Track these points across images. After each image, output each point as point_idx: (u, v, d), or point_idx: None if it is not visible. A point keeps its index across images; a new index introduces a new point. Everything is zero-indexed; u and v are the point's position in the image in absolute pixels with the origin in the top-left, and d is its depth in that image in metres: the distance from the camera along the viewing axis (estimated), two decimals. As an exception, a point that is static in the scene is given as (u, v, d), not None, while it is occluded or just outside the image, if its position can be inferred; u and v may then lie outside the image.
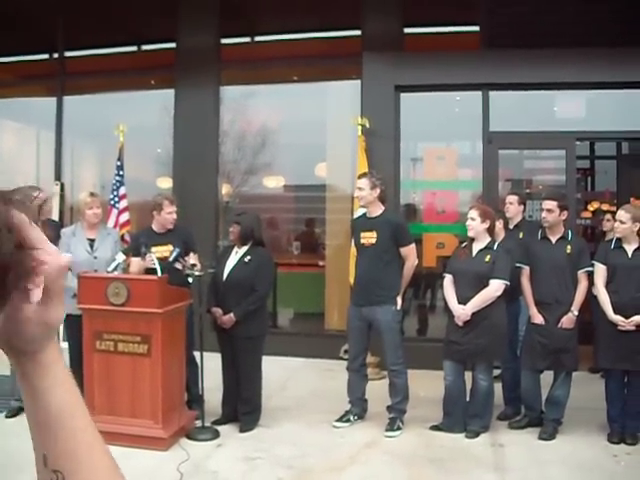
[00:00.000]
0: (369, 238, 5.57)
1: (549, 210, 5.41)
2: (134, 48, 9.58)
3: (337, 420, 5.71)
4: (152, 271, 5.39)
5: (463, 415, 5.46)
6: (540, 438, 5.34)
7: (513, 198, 6.32)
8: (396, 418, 5.56)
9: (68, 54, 9.52)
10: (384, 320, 5.50)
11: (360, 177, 5.72)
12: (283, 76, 8.97)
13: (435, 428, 5.54)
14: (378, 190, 5.56)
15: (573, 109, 7.77)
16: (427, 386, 6.27)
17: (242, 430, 5.47)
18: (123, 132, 8.21)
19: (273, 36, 9.05)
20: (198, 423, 5.43)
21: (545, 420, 5.49)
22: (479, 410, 5.45)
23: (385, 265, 5.50)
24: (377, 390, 5.89)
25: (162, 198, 5.85)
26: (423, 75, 7.71)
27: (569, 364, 5.40)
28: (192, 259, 5.70)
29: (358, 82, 8.05)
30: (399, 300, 5.54)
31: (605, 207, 9.13)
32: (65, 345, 5.77)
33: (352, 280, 6.04)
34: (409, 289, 8.31)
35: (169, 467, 4.66)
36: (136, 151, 8.86)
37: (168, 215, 5.77)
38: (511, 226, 6.18)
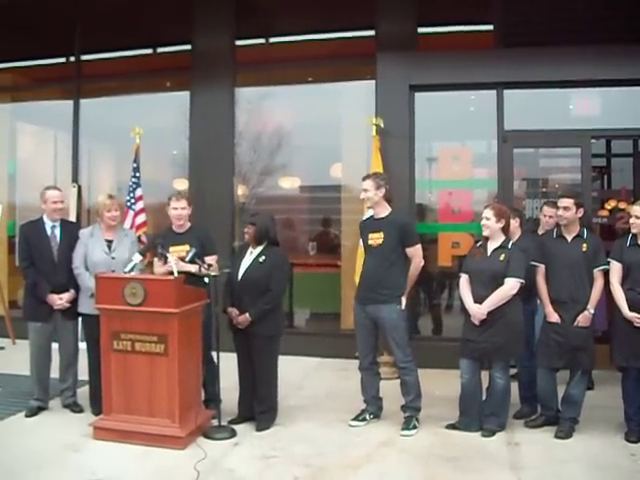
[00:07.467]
0: (376, 239, 5.56)
1: (566, 208, 5.38)
2: (150, 51, 9.65)
3: (353, 419, 5.72)
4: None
5: (479, 414, 5.45)
6: (556, 437, 5.32)
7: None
8: (412, 417, 5.57)
9: (85, 57, 9.61)
10: (389, 318, 5.49)
11: (365, 179, 5.67)
12: (298, 77, 8.98)
13: (451, 427, 5.54)
14: (383, 190, 5.56)
15: (588, 107, 7.73)
16: (443, 385, 6.29)
17: (258, 429, 5.50)
18: (139, 134, 8.31)
19: (287, 37, 9.07)
20: (215, 422, 5.45)
21: (561, 419, 5.46)
22: (495, 409, 5.44)
23: (391, 265, 5.49)
24: (393, 389, 5.87)
25: (171, 195, 5.95)
26: (437, 74, 7.73)
27: (585, 363, 5.37)
28: (210, 260, 5.74)
29: (372, 82, 8.07)
30: (404, 300, 5.53)
31: (622, 205, 9.04)
32: (83, 345, 5.83)
33: (357, 279, 6.03)
34: (425, 288, 8.35)
35: (186, 466, 4.69)
36: (152, 153, 8.93)
37: (173, 211, 5.83)
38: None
